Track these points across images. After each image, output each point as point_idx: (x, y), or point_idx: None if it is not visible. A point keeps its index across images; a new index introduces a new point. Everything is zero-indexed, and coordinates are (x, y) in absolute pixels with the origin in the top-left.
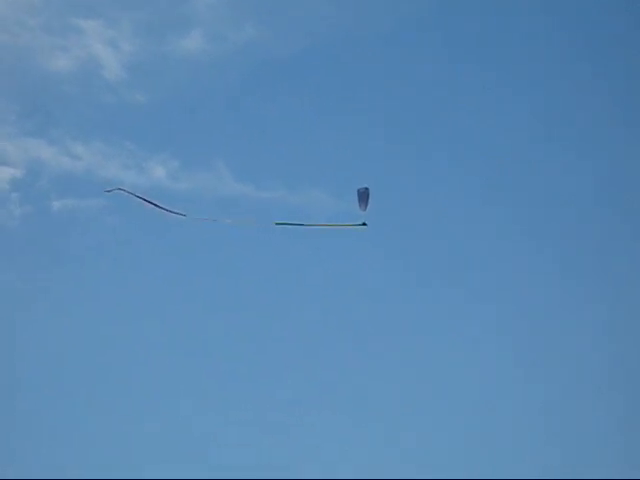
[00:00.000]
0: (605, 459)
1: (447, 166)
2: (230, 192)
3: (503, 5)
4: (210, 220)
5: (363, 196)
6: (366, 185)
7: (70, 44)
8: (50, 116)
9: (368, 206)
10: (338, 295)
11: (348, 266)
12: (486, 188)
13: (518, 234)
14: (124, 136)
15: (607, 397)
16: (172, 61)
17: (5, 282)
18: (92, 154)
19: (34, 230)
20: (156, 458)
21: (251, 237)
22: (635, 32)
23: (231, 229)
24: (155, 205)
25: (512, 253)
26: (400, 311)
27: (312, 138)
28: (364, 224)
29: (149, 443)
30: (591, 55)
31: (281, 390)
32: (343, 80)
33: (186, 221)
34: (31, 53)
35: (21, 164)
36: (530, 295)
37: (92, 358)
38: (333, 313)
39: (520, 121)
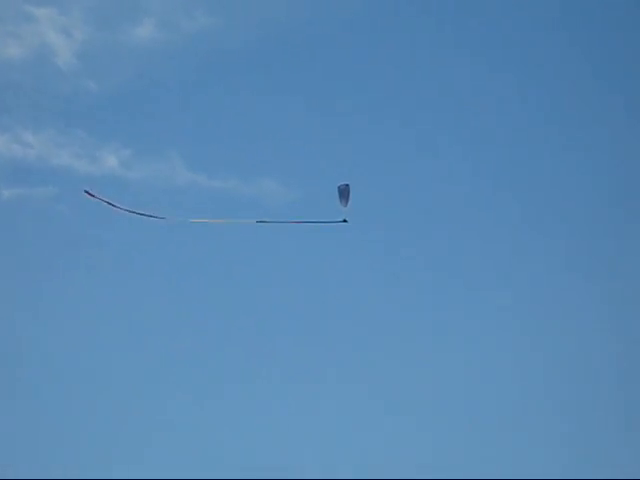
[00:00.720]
0: (614, 456)
1: (415, 152)
2: (183, 181)
3: None
4: (190, 221)
5: (344, 192)
6: (347, 182)
7: (22, 32)
8: (1, 104)
9: (349, 202)
10: (327, 291)
11: (331, 262)
12: (471, 180)
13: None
14: (76, 124)
15: (616, 389)
16: (125, 50)
17: None
18: (43, 142)
19: None
20: (155, 458)
21: (232, 235)
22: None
23: (203, 227)
24: (133, 212)
25: (504, 244)
26: (391, 308)
27: (265, 128)
28: (345, 221)
29: (147, 442)
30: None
31: (272, 388)
32: (298, 69)
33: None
34: None
35: None
36: (521, 294)
37: (42, 350)
38: (322, 310)
39: (509, 106)
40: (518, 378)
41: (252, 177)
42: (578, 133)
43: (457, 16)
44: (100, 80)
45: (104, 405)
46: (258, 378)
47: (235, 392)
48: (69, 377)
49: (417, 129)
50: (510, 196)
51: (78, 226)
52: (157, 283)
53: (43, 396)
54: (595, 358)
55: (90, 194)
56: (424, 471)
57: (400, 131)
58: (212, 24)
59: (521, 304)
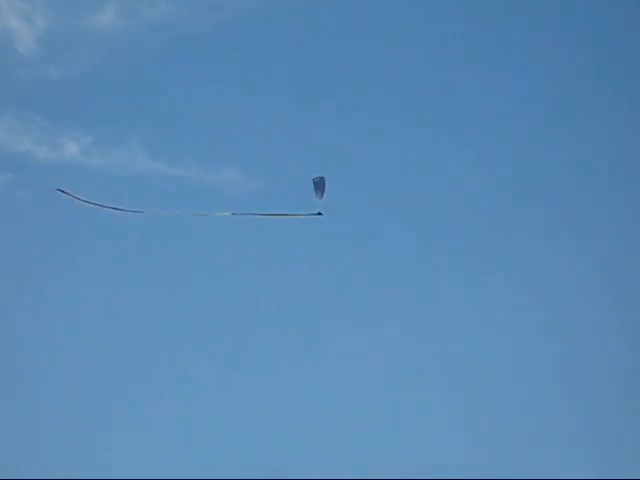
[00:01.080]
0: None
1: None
2: (143, 169)
3: None
4: (168, 213)
5: (319, 185)
6: (321, 175)
7: None
8: None
9: (324, 195)
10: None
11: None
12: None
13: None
14: (37, 111)
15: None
16: (86, 36)
17: None
18: (3, 128)
19: None
20: (155, 458)
21: (203, 227)
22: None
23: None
24: (110, 207)
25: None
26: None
27: (227, 116)
28: (319, 213)
29: (146, 441)
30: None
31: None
32: (260, 56)
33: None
34: None
35: None
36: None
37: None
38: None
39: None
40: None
41: (214, 166)
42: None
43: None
44: (61, 66)
45: (98, 404)
46: (253, 370)
47: (225, 385)
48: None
49: (389, 115)
50: (502, 184)
51: (37, 213)
52: (117, 272)
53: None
54: (610, 322)
55: (64, 192)
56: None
57: (368, 119)
58: (174, 11)
59: (514, 288)
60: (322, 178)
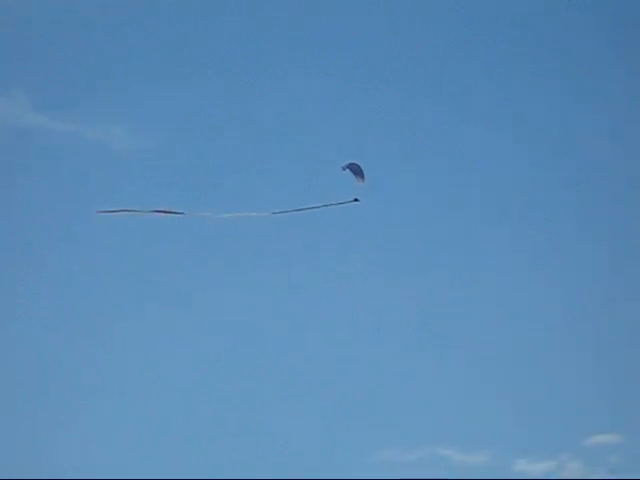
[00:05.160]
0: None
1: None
2: (27, 122)
3: None
4: (210, 216)
5: (356, 170)
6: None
7: None
8: None
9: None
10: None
11: None
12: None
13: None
14: None
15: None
16: None
17: None
18: None
19: None
20: (153, 458)
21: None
22: None
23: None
24: (153, 212)
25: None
26: None
27: (116, 70)
28: (356, 200)
29: (147, 441)
30: None
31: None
32: (146, 5)
33: None
34: None
35: None
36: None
37: None
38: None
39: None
40: None
41: (99, 122)
42: None
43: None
44: None
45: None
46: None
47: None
48: None
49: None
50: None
51: None
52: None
53: None
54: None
55: (105, 212)
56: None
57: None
58: None
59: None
60: (353, 163)
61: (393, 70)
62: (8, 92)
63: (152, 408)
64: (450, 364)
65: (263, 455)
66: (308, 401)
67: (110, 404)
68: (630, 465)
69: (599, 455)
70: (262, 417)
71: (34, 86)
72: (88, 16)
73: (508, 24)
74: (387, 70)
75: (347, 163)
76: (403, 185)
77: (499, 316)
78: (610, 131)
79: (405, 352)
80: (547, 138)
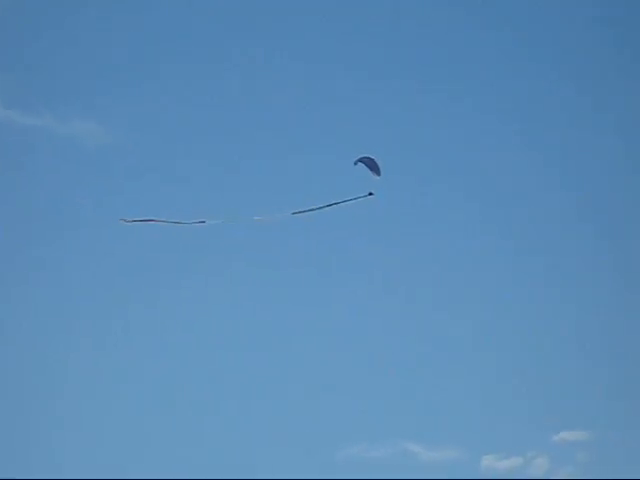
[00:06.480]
0: None
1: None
2: None
3: None
4: (229, 222)
5: (371, 165)
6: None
7: None
8: None
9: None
10: None
11: None
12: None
13: None
14: None
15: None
16: None
17: None
18: None
19: None
20: (154, 457)
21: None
22: None
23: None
24: (172, 222)
25: None
26: None
27: (87, 63)
28: (371, 194)
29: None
30: None
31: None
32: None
33: None
34: None
35: None
36: None
37: None
38: None
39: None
40: None
41: (68, 117)
42: None
43: None
44: None
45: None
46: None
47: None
48: None
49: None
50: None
51: None
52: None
53: None
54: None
55: (127, 221)
56: None
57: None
58: None
59: None
60: (367, 157)
61: (407, 62)
62: None
63: (150, 408)
64: (418, 360)
65: (224, 452)
66: (270, 397)
67: (108, 402)
68: (597, 462)
69: (566, 452)
70: (224, 413)
71: (2, 79)
72: (60, 10)
73: (525, 16)
74: (401, 63)
75: (359, 157)
76: (417, 179)
77: (469, 311)
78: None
79: (374, 346)
80: (563, 126)
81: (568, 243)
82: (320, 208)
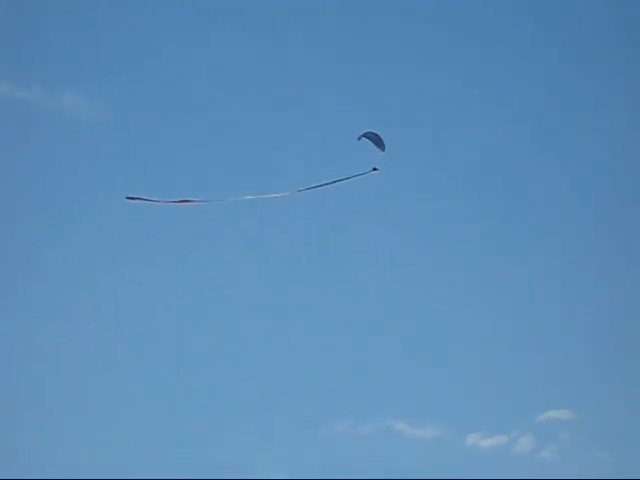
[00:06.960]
0: None
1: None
2: None
3: None
4: (232, 201)
5: (376, 140)
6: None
7: None
8: None
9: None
10: None
11: None
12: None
13: None
14: None
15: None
16: None
17: None
18: None
19: None
20: (153, 457)
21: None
22: None
23: None
24: (178, 202)
25: None
26: None
27: (75, 35)
28: (375, 169)
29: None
30: None
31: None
32: None
33: None
34: None
35: None
36: None
37: None
38: None
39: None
40: None
41: (58, 89)
42: None
43: None
44: None
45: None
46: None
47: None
48: None
49: None
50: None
51: None
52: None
53: None
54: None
55: (133, 198)
56: None
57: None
58: None
59: None
60: (371, 132)
61: (410, 40)
62: None
63: (149, 405)
64: (405, 338)
65: (211, 427)
66: (258, 375)
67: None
68: (581, 441)
69: (551, 431)
70: (213, 389)
71: None
72: None
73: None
74: (404, 40)
75: (363, 132)
76: (421, 156)
77: (459, 292)
78: None
79: (361, 325)
80: (569, 111)
81: (565, 226)
82: (325, 184)
